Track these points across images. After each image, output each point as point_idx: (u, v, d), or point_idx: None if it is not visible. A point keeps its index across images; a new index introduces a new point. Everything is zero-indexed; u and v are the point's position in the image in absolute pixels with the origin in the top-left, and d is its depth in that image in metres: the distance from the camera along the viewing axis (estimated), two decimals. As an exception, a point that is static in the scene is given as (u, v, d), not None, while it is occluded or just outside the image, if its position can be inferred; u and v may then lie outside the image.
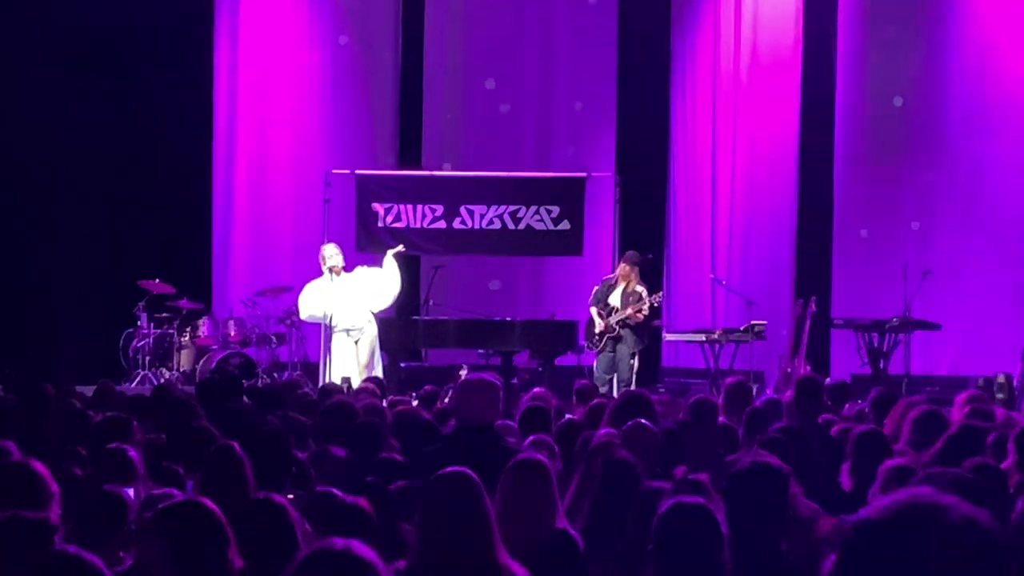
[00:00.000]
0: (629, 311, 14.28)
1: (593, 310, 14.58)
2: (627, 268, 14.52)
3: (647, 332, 14.62)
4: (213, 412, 8.10)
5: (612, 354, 14.42)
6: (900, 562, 2.06)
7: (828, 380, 11.66)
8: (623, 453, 5.80)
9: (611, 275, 14.77)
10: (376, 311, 14.44)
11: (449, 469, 4.77)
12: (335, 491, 5.27)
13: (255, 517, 4.52)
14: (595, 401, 9.08)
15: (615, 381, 14.31)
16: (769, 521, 4.69)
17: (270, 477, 5.68)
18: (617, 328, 14.35)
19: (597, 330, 14.45)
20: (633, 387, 14.09)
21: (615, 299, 14.46)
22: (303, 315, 14.63)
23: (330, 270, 14.02)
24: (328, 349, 14.14)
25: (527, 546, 4.93)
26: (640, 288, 14.43)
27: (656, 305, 14.54)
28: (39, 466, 5.03)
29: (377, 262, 14.89)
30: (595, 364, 14.60)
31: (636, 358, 14.52)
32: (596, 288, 14.70)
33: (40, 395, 8.81)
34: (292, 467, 6.26)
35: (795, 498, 4.92)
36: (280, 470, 5.98)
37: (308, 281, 14.49)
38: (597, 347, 14.48)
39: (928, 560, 2.05)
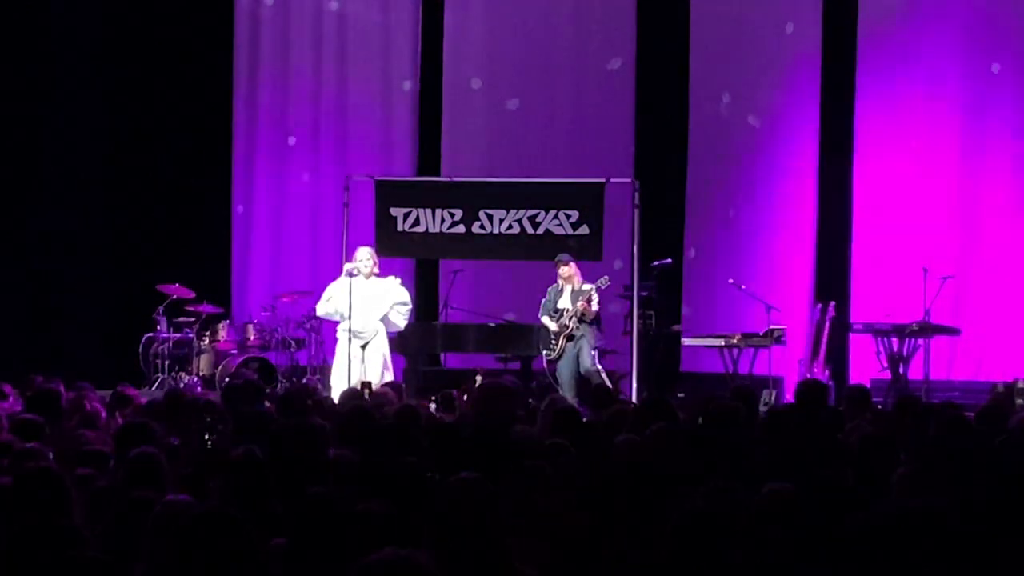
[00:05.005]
0: (580, 305, 14.23)
1: (544, 318, 14.51)
2: (565, 271, 14.44)
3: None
4: (239, 416, 8.12)
5: (575, 357, 14.27)
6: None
7: (847, 385, 11.64)
8: (646, 457, 5.77)
9: (555, 283, 14.67)
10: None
11: (462, 475, 4.76)
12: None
13: (275, 525, 4.52)
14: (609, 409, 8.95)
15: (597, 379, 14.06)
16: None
17: (298, 480, 5.69)
18: (571, 325, 14.26)
19: (553, 332, 14.37)
20: (598, 373, 13.93)
21: (564, 302, 14.37)
22: (320, 311, 14.58)
23: (355, 270, 14.05)
24: (336, 352, 14.15)
25: (539, 554, 4.92)
26: (587, 286, 14.35)
27: (604, 287, 14.39)
28: (61, 472, 5.04)
29: (396, 266, 14.87)
30: (558, 377, 14.27)
31: (598, 353, 14.33)
32: (543, 299, 14.60)
33: (58, 400, 8.84)
34: (320, 469, 6.26)
35: None
36: (309, 472, 5.98)
37: (327, 284, 14.52)
38: (554, 351, 14.31)
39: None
